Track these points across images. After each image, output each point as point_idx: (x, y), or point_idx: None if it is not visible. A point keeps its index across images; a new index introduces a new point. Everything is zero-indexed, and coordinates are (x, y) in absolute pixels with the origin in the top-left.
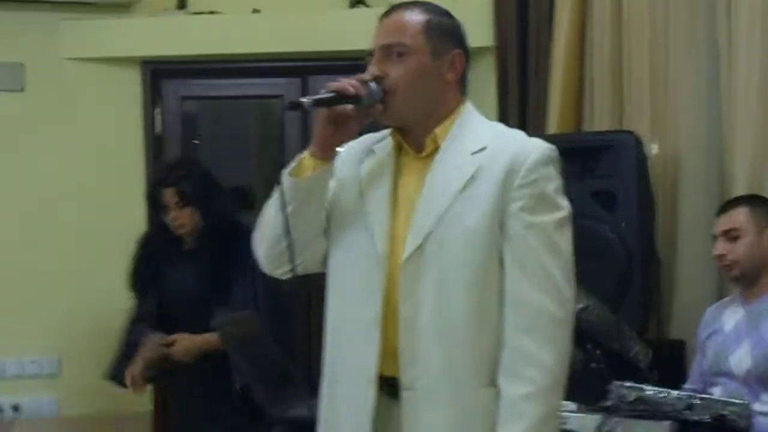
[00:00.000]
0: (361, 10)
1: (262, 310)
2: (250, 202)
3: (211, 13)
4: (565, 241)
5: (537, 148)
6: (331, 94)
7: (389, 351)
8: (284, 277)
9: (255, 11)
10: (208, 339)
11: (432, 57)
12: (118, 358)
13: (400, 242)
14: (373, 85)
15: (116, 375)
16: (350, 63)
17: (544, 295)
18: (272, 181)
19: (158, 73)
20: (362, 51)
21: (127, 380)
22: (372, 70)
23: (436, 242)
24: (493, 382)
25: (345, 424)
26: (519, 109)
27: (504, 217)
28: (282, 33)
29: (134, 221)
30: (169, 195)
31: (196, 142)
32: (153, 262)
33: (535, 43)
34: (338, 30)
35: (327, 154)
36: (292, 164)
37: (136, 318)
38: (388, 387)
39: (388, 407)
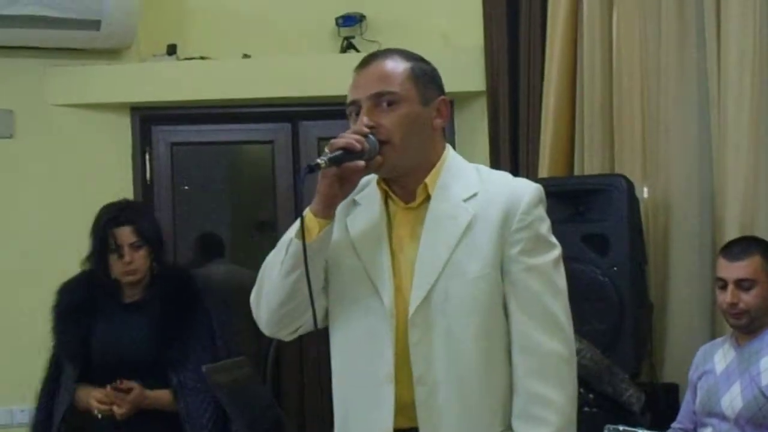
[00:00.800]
0: (351, 55)
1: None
2: (221, 250)
3: (201, 58)
4: (561, 278)
5: (527, 190)
6: (340, 152)
7: (404, 405)
8: (288, 339)
9: (245, 56)
10: (162, 396)
11: (421, 104)
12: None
13: (404, 296)
14: (371, 137)
15: None
16: (340, 108)
17: (550, 336)
18: (261, 225)
19: (148, 119)
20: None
21: (93, 405)
22: (365, 120)
23: (441, 294)
24: (507, 426)
25: None
26: (511, 152)
27: (504, 262)
28: (272, 78)
29: None
30: (125, 234)
31: (186, 188)
32: (82, 316)
33: (527, 86)
34: (328, 75)
35: (330, 213)
36: (295, 229)
37: (56, 386)
38: None
39: None
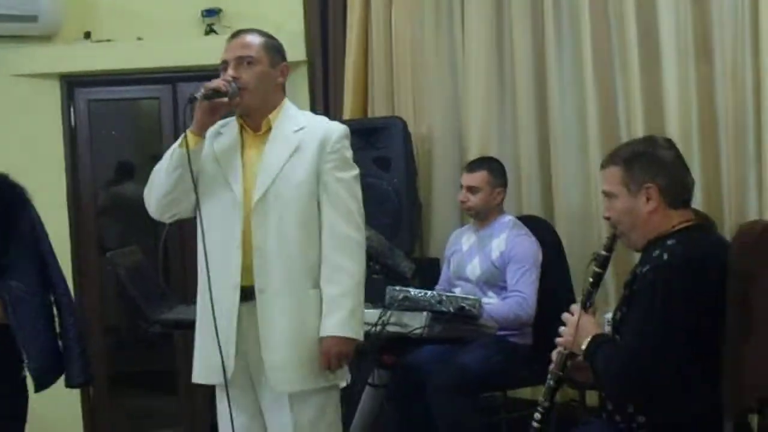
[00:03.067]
0: (212, 37)
1: (53, 273)
2: (132, 173)
3: (108, 41)
4: (359, 189)
5: (338, 128)
6: (211, 91)
7: (246, 267)
8: (169, 221)
9: (139, 39)
10: None
11: (270, 66)
12: None
13: (249, 193)
14: (233, 84)
15: None
16: (205, 73)
17: (348, 226)
18: (152, 156)
19: (72, 84)
20: (214, 64)
21: None
22: (231, 73)
23: (275, 192)
24: (317, 286)
25: (218, 319)
26: (323, 101)
27: (320, 174)
28: (158, 53)
29: (56, 192)
30: None
31: (102, 133)
32: None
33: (334, 57)
34: (196, 51)
35: (203, 133)
36: (179, 141)
37: None
38: (247, 293)
39: (248, 307)
